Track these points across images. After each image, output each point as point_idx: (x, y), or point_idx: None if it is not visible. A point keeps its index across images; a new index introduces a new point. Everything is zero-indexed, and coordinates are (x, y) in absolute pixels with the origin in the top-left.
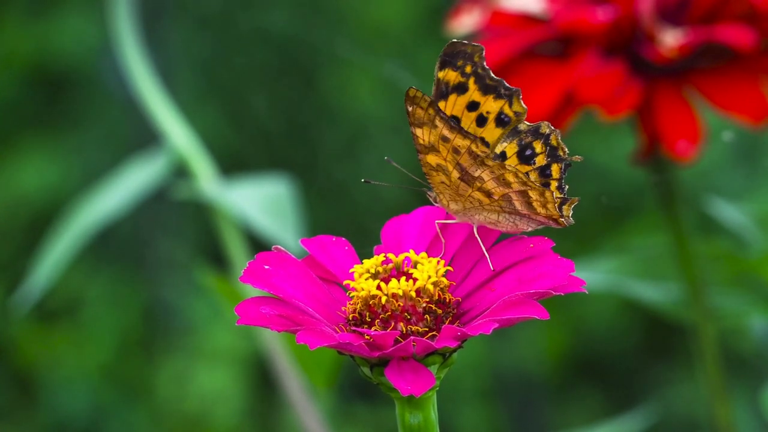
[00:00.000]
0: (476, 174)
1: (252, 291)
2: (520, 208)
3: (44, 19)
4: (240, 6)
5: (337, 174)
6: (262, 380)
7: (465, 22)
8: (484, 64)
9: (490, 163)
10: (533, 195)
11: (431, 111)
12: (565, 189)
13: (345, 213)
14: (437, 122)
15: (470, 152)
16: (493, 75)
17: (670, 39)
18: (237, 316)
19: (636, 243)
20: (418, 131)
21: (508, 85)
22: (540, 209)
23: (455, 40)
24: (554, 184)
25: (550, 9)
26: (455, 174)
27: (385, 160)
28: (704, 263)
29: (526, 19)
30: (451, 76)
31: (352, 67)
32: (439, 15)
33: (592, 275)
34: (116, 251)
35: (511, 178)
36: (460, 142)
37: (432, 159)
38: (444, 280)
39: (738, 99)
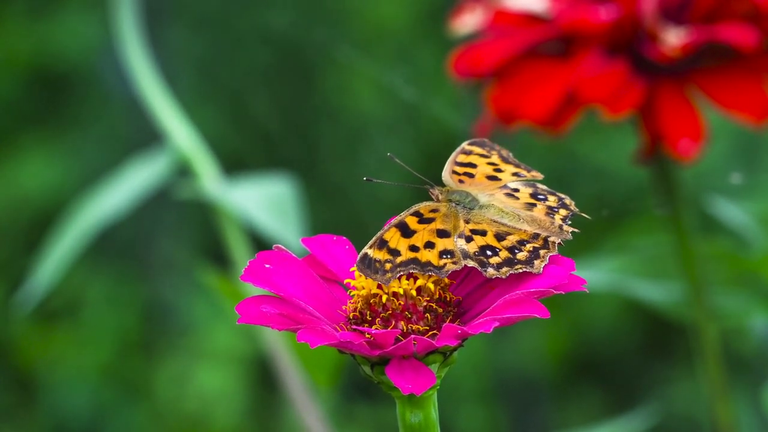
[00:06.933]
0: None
1: (253, 290)
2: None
3: (44, 19)
4: (240, 6)
5: (337, 174)
6: (263, 380)
7: (467, 22)
8: (510, 154)
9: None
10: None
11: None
12: (568, 223)
13: (345, 212)
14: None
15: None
16: (514, 157)
17: (673, 38)
18: (238, 315)
19: (637, 242)
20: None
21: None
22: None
23: (486, 140)
24: (558, 217)
25: (553, 8)
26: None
27: (388, 156)
28: (705, 263)
29: (529, 19)
30: (477, 149)
31: (352, 68)
32: (440, 15)
33: (594, 274)
34: (116, 251)
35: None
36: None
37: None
38: (445, 278)
39: (740, 98)
